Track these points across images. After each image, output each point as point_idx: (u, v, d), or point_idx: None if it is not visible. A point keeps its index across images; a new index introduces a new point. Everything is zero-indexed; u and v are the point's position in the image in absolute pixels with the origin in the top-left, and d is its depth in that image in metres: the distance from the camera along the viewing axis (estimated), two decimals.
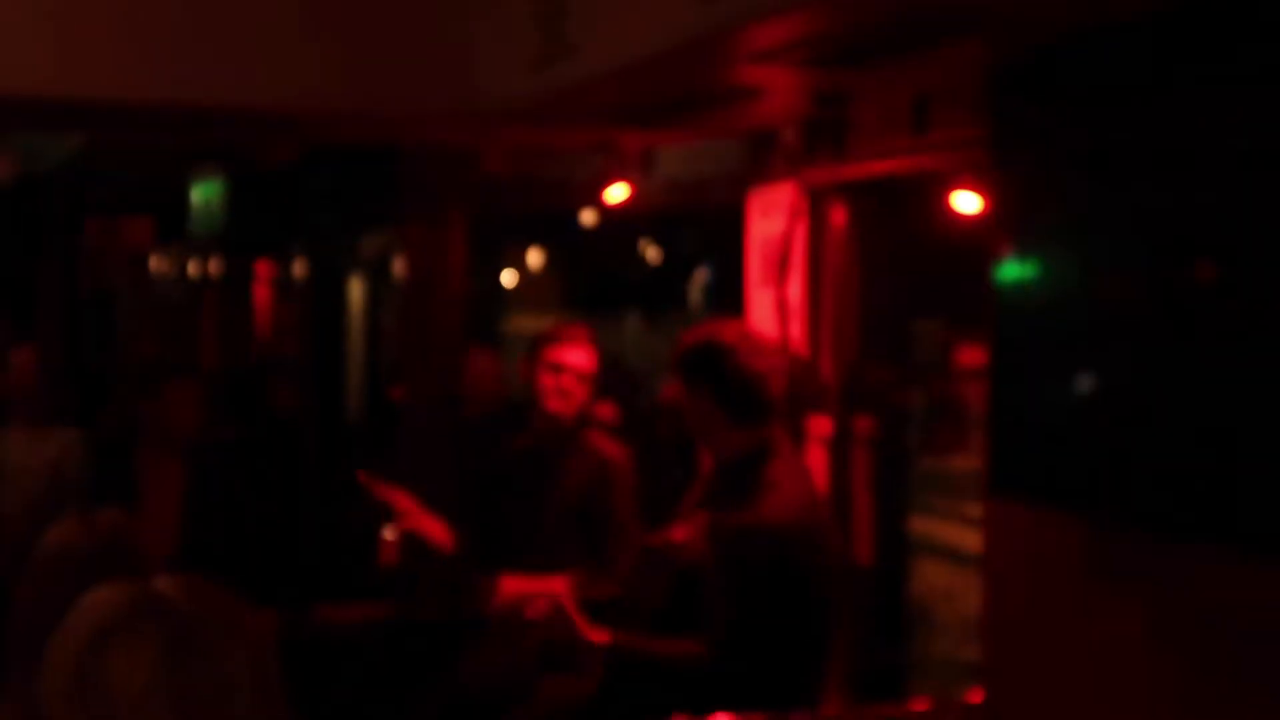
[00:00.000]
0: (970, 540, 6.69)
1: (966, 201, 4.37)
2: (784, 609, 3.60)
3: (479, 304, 10.52)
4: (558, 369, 4.61)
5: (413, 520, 4.69)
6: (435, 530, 4.71)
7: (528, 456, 4.69)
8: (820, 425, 4.76)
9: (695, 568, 3.73)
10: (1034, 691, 3.49)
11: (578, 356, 4.64)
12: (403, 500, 4.69)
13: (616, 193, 5.85)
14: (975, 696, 3.59)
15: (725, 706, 3.44)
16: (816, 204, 4.79)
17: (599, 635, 3.72)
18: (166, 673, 1.26)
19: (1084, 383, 3.17)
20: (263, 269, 10.62)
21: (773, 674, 3.62)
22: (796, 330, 4.85)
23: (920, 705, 4.62)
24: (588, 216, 8.06)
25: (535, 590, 4.37)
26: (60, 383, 7.04)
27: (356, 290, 9.37)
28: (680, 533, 3.88)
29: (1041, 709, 3.46)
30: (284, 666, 1.36)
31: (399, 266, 6.60)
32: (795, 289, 4.89)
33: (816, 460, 4.74)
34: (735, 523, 3.65)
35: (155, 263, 13.30)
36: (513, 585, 4.44)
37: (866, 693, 4.58)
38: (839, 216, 4.73)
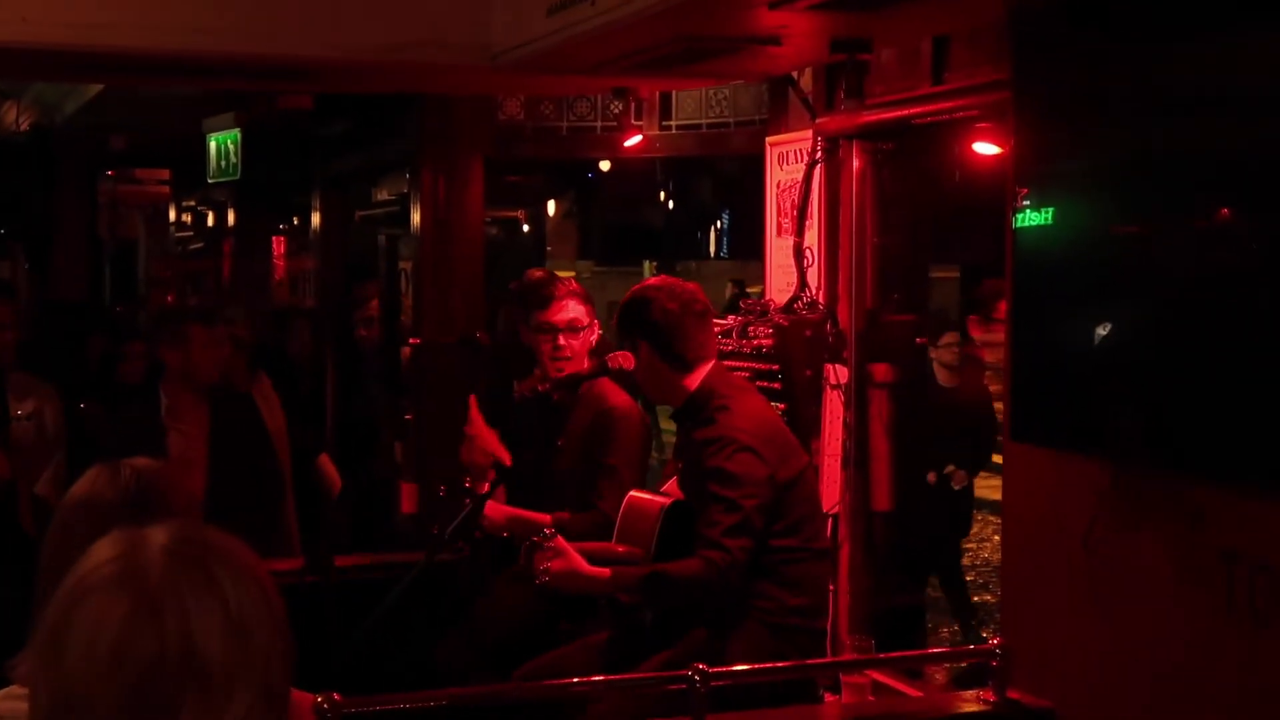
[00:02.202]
0: (984, 487, 6.71)
1: (986, 147, 4.35)
2: (767, 504, 3.75)
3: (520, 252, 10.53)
4: (551, 330, 4.57)
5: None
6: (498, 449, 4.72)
7: (540, 406, 4.68)
8: (838, 373, 4.76)
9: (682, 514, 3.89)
10: (1051, 632, 3.51)
11: (566, 313, 4.58)
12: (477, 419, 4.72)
13: (633, 141, 5.82)
14: (994, 639, 3.62)
15: (736, 604, 3.75)
16: (834, 150, 4.77)
17: (600, 571, 3.82)
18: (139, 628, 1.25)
19: (1105, 326, 3.17)
20: (280, 217, 10.63)
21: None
22: (815, 277, 4.84)
23: (940, 648, 4.65)
24: (604, 164, 8.03)
25: (519, 517, 4.44)
26: (51, 334, 7.00)
27: (375, 237, 9.37)
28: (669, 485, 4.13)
29: (1058, 649, 3.48)
30: (305, 613, 1.36)
31: (417, 214, 6.58)
32: (813, 236, 4.88)
33: (835, 407, 4.75)
34: (699, 439, 3.84)
35: (173, 213, 13.31)
36: (496, 511, 4.46)
37: (886, 636, 4.60)
38: (857, 163, 4.71)
